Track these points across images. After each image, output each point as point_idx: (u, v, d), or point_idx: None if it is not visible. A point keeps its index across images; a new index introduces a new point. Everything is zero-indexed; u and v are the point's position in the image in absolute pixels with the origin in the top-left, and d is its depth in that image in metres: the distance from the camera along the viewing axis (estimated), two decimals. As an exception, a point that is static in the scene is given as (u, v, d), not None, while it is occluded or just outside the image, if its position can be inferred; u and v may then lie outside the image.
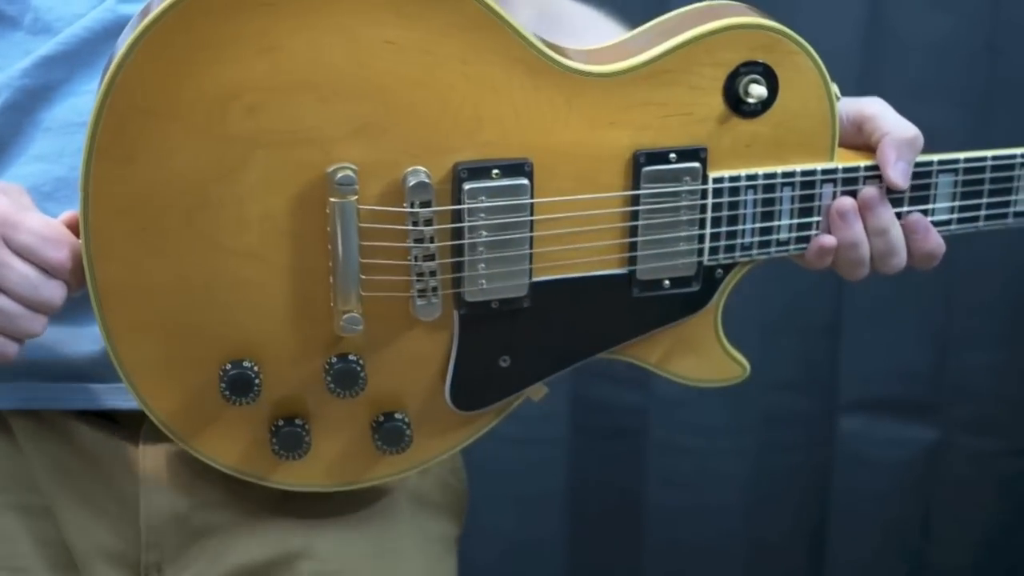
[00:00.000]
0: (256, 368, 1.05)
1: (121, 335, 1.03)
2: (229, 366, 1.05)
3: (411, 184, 1.02)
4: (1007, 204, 1.16)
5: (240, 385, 1.05)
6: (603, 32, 1.22)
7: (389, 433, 1.10)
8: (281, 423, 1.08)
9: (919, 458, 2.18)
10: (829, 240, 1.11)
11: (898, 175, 1.11)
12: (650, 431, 2.17)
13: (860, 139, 1.13)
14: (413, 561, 1.19)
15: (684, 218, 1.09)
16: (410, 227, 1.03)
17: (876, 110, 1.13)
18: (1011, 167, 1.15)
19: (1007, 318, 2.12)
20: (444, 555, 1.24)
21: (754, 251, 1.12)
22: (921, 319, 2.11)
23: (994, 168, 1.14)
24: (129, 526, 1.13)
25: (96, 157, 0.98)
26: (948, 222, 1.15)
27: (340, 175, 1.01)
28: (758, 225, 1.11)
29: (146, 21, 0.96)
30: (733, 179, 1.09)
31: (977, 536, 2.21)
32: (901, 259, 1.13)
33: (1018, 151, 1.15)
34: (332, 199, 1.01)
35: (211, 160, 1.00)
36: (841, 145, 1.13)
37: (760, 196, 1.10)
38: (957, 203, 1.15)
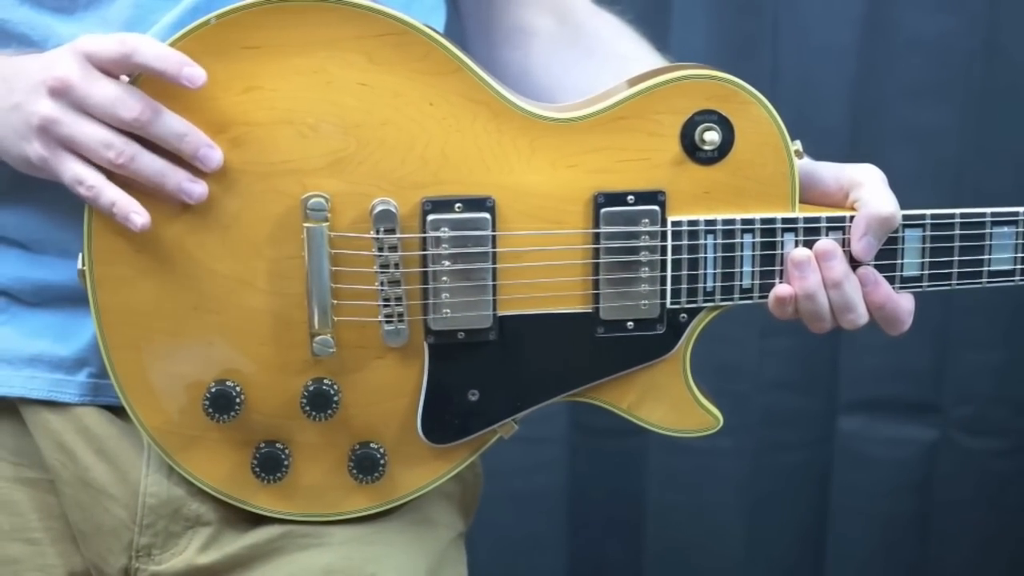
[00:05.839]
0: (239, 388, 1.14)
1: (118, 352, 1.13)
2: (213, 385, 1.13)
3: (377, 211, 1.11)
4: (980, 263, 1.17)
5: (222, 403, 1.13)
6: (628, 43, 1.29)
7: (363, 461, 1.16)
8: (263, 445, 1.16)
9: (918, 458, 2.18)
10: (784, 290, 1.14)
11: (861, 248, 1.14)
12: (650, 431, 2.14)
13: (847, 204, 1.17)
14: (409, 546, 1.21)
15: (644, 259, 1.14)
16: (376, 253, 1.12)
17: (864, 178, 1.16)
18: (982, 225, 1.17)
19: (1007, 318, 2.11)
20: (446, 543, 1.25)
21: (717, 297, 1.16)
22: (921, 319, 2.09)
23: (963, 225, 1.16)
24: (127, 509, 1.19)
25: (99, 182, 1.10)
26: (919, 278, 1.17)
27: (312, 201, 1.10)
28: (720, 271, 1.15)
29: (145, 62, 1.09)
30: (692, 223, 1.14)
31: (977, 536, 2.19)
32: (858, 314, 1.15)
33: (988, 210, 1.17)
34: (305, 224, 1.10)
35: (200, 188, 1.11)
36: (829, 206, 1.17)
37: (720, 241, 1.15)
38: (927, 259, 1.17)
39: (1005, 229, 1.17)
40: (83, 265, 1.12)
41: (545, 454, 2.23)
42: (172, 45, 1.08)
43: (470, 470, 1.31)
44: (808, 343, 2.08)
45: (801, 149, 1.16)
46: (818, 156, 1.20)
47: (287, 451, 1.16)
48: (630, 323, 1.16)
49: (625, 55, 1.29)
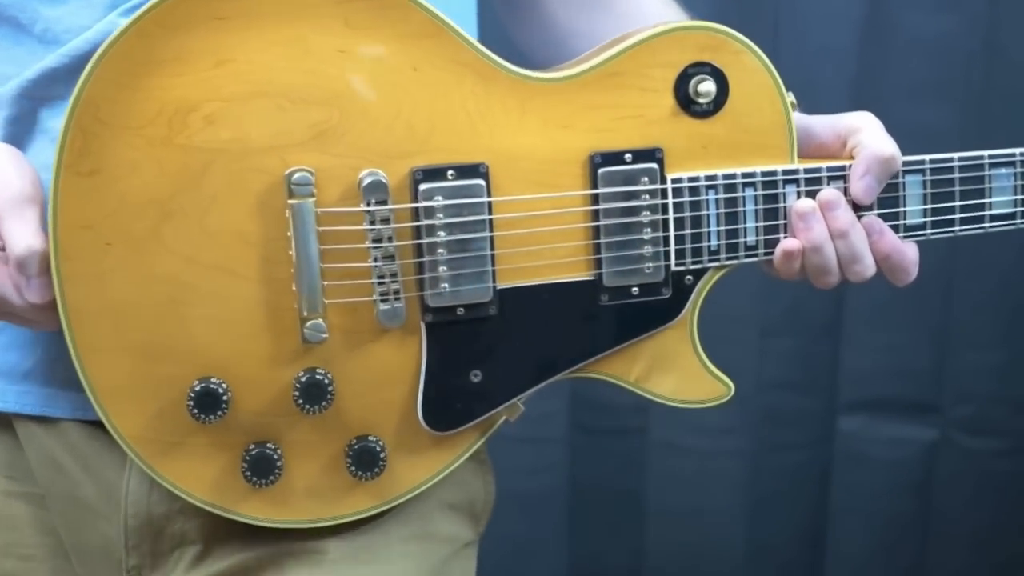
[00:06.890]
0: (225, 385, 1.05)
1: (89, 355, 1.04)
2: (197, 383, 1.05)
3: (366, 183, 1.04)
4: (982, 207, 1.15)
5: (207, 401, 1.05)
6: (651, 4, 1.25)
7: (361, 456, 1.09)
8: (252, 446, 1.07)
9: (918, 458, 2.18)
10: (791, 244, 1.10)
11: (861, 189, 1.11)
12: (650, 431, 2.17)
13: (845, 153, 1.14)
14: (407, 562, 1.14)
15: (646, 219, 1.09)
16: (367, 227, 1.05)
17: (861, 123, 1.14)
18: (980, 167, 1.14)
19: (1007, 318, 2.12)
20: (446, 557, 1.18)
21: (722, 256, 1.11)
22: (921, 319, 2.12)
23: (962, 168, 1.14)
24: (115, 527, 1.12)
25: (64, 172, 1.02)
26: (922, 226, 1.14)
27: (297, 176, 1.03)
28: (723, 228, 1.11)
29: (107, 40, 1.02)
30: (692, 179, 1.10)
31: (976, 536, 2.19)
32: (865, 265, 1.11)
33: (985, 152, 1.15)
34: (290, 201, 1.03)
35: (173, 171, 1.03)
36: (827, 158, 1.14)
37: (722, 196, 1.10)
38: (929, 206, 1.14)
39: (1003, 171, 1.15)
40: None
41: (545, 455, 2.21)
42: (136, 20, 1.01)
43: (479, 477, 1.23)
44: (808, 343, 2.14)
45: (796, 101, 1.13)
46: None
47: (279, 451, 1.08)
48: (635, 289, 1.10)
49: (646, 11, 1.24)
